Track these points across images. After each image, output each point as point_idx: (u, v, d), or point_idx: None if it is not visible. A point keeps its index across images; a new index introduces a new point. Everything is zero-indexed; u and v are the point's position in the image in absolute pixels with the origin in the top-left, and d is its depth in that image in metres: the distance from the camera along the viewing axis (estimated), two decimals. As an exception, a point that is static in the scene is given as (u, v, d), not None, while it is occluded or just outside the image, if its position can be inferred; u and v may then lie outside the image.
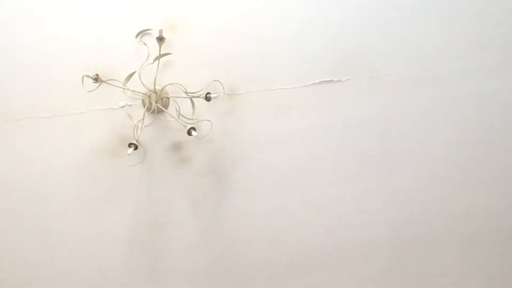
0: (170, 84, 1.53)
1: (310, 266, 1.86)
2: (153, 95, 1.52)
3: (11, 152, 1.58)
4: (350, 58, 1.65)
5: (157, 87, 1.52)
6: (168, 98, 1.56)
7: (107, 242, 1.70)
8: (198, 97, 1.52)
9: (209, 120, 1.58)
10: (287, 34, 1.60)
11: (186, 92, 1.52)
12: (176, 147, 1.64)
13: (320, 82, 1.66)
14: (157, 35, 1.47)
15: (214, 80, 1.55)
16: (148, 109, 1.52)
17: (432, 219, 1.90)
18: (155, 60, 1.47)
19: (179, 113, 1.53)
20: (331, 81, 1.66)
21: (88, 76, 1.42)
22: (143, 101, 1.54)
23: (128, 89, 1.47)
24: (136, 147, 1.48)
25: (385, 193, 1.82)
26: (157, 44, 1.47)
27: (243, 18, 1.57)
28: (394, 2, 1.64)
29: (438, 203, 1.88)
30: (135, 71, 1.45)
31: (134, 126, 1.50)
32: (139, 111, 1.54)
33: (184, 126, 1.53)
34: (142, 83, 1.46)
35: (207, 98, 1.52)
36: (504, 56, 1.75)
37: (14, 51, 1.50)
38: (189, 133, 1.52)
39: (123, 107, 1.57)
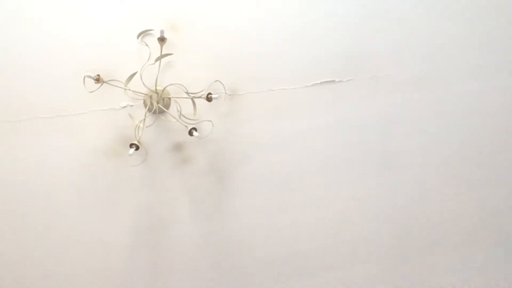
0: (171, 84, 1.53)
1: (311, 266, 1.86)
2: (155, 96, 1.52)
3: (12, 152, 1.58)
4: (351, 58, 1.65)
5: (158, 88, 1.52)
6: (169, 98, 1.56)
7: (108, 243, 1.70)
8: (200, 97, 1.52)
9: (210, 121, 1.58)
10: (289, 35, 1.60)
11: (187, 93, 1.52)
12: (178, 147, 1.64)
13: (321, 83, 1.66)
14: (159, 36, 1.47)
15: (216, 81, 1.55)
16: (150, 110, 1.52)
17: (432, 219, 1.90)
18: (156, 60, 1.47)
19: (181, 114, 1.53)
20: (333, 81, 1.66)
21: (89, 76, 1.41)
22: (144, 101, 1.54)
23: (129, 90, 1.47)
24: (137, 148, 1.48)
25: (386, 193, 1.82)
26: (158, 45, 1.47)
27: (244, 19, 1.57)
28: (396, 3, 1.64)
29: (439, 203, 1.88)
30: (137, 72, 1.45)
31: (136, 127, 1.50)
32: (141, 112, 1.54)
33: (186, 126, 1.53)
34: (143, 83, 1.46)
35: (209, 99, 1.52)
36: (505, 56, 1.75)
37: (15, 52, 1.50)
38: (190, 133, 1.52)
39: (124, 107, 1.57)
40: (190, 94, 1.52)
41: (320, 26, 1.62)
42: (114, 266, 1.74)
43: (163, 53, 1.47)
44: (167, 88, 1.53)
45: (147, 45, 1.48)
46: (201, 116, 1.58)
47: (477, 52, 1.73)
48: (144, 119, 1.50)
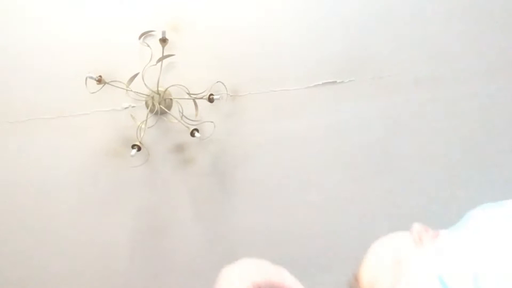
0: (173, 85, 1.53)
1: (312, 267, 1.86)
2: (156, 97, 1.52)
3: (14, 153, 1.58)
4: (353, 59, 1.65)
5: (160, 89, 1.52)
6: (171, 99, 1.56)
7: (109, 243, 1.71)
8: (201, 98, 1.52)
9: (212, 122, 1.58)
10: (290, 36, 1.60)
11: (189, 94, 1.52)
12: (179, 148, 1.64)
13: (323, 84, 1.66)
14: (160, 37, 1.46)
15: (217, 82, 1.55)
16: (151, 111, 1.52)
17: (433, 220, 1.89)
18: (158, 61, 1.47)
19: (182, 115, 1.53)
20: (334, 82, 1.66)
21: (91, 77, 1.42)
22: (146, 102, 1.54)
23: (131, 91, 1.47)
24: (139, 149, 1.48)
25: (387, 194, 1.82)
26: (160, 46, 1.47)
27: (246, 20, 1.57)
28: (397, 4, 1.64)
29: (439, 204, 1.88)
30: (138, 73, 1.45)
31: (137, 128, 1.50)
32: (142, 113, 1.54)
33: (187, 127, 1.53)
34: (145, 84, 1.46)
35: (210, 100, 1.52)
36: (506, 57, 1.75)
37: (16, 52, 1.50)
38: (192, 134, 1.52)
39: (126, 108, 1.57)
40: (191, 95, 1.52)
41: (321, 27, 1.61)
42: (115, 267, 1.74)
43: (164, 54, 1.47)
44: (168, 89, 1.53)
45: (148, 46, 1.48)
46: (203, 117, 1.58)
47: (479, 52, 1.72)
48: (146, 120, 1.51)
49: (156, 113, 1.53)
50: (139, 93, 1.50)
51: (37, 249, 1.68)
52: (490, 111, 1.79)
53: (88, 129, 1.57)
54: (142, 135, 1.49)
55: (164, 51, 1.48)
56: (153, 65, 1.47)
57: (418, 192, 1.85)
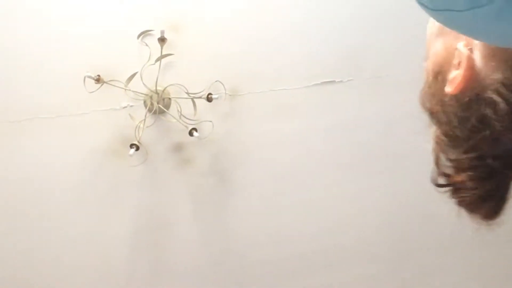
0: (171, 85, 1.53)
1: (312, 267, 1.85)
2: (155, 96, 1.52)
3: (13, 152, 1.58)
4: (352, 58, 1.65)
5: (158, 88, 1.52)
6: (169, 98, 1.56)
7: (108, 243, 1.70)
8: (200, 97, 1.52)
9: (210, 121, 1.58)
10: (289, 35, 1.60)
11: (187, 93, 1.52)
12: (178, 148, 1.64)
13: (322, 83, 1.66)
14: (159, 36, 1.47)
15: (216, 81, 1.55)
16: (150, 110, 1.52)
17: (434, 220, 1.89)
18: (156, 61, 1.47)
19: (181, 114, 1.53)
20: (333, 81, 1.66)
21: (90, 77, 1.42)
22: (144, 102, 1.54)
23: (129, 90, 1.48)
24: (137, 148, 1.48)
25: (386, 194, 1.82)
26: (158, 45, 1.47)
27: (245, 19, 1.57)
28: (397, 2, 1.64)
29: (440, 204, 1.87)
30: (137, 72, 1.45)
31: (136, 127, 1.50)
32: (141, 112, 1.54)
33: (186, 127, 1.53)
34: (143, 84, 1.46)
35: (209, 99, 1.53)
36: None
37: (16, 52, 1.50)
38: (190, 134, 1.52)
39: (124, 108, 1.57)
40: (190, 95, 1.52)
41: (320, 26, 1.61)
42: (114, 266, 1.73)
43: (163, 53, 1.47)
44: (167, 88, 1.53)
45: (147, 45, 1.48)
46: (202, 117, 1.57)
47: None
48: (145, 120, 1.51)
49: (155, 113, 1.53)
50: (138, 92, 1.50)
51: (36, 248, 1.68)
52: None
53: (86, 128, 1.57)
54: (140, 134, 1.49)
55: (163, 50, 1.48)
56: (152, 64, 1.47)
57: (418, 191, 1.84)
